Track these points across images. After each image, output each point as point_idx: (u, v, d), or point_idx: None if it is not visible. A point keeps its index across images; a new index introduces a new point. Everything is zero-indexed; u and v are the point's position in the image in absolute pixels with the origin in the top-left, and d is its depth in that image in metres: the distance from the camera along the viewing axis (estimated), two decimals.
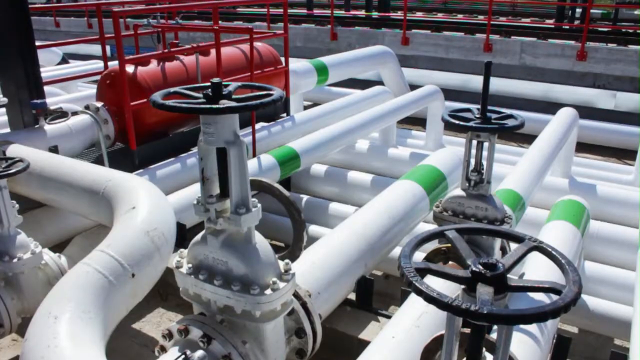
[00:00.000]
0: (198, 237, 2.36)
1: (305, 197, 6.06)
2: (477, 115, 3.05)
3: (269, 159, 5.31)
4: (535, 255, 3.15)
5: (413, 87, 8.92)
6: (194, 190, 4.67)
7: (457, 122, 3.05)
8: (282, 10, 6.89)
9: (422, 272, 1.55)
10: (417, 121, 9.41)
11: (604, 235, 5.04)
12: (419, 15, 18.98)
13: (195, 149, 5.46)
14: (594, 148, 8.78)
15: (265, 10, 12.25)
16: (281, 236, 5.30)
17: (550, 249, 1.64)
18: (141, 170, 4.97)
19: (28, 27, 5.01)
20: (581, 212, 4.28)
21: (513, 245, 1.86)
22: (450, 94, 9.30)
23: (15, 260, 3.41)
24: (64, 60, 12.00)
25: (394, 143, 7.67)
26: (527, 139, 7.90)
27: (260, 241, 2.35)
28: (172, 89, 2.28)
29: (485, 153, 3.12)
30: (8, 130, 5.20)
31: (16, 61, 4.96)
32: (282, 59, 6.77)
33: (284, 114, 6.83)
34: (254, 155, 5.47)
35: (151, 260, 2.99)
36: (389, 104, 7.24)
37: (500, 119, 3.04)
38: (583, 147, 8.37)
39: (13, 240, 3.47)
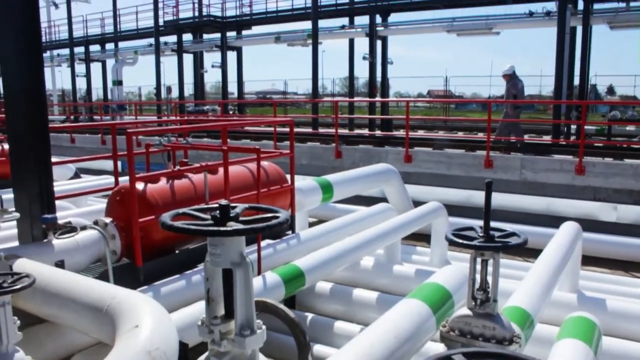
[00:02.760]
0: (201, 359, 2.33)
1: (310, 316, 5.97)
2: (481, 234, 3.10)
3: (273, 278, 5.29)
4: None
5: (417, 203, 9.03)
6: (198, 308, 4.61)
7: (460, 241, 3.09)
8: (288, 128, 7.15)
9: None
10: (422, 237, 9.43)
11: (616, 352, 4.91)
12: (420, 133, 19.63)
13: (201, 266, 5.47)
14: (600, 261, 8.73)
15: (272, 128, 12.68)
16: (285, 356, 5.16)
17: None
18: (146, 287, 4.96)
19: (46, 145, 5.21)
20: (592, 330, 4.20)
21: None
22: (453, 209, 9.40)
23: None
24: (77, 175, 12.31)
25: (399, 260, 7.66)
26: (532, 253, 7.86)
27: None
28: (180, 210, 2.35)
29: (490, 269, 3.13)
30: (17, 243, 5.25)
31: (32, 177, 5.10)
32: (288, 176, 6.95)
33: (289, 232, 6.90)
34: (259, 273, 5.47)
35: None
36: (393, 221, 7.31)
37: (503, 237, 3.08)
38: (589, 261, 8.33)
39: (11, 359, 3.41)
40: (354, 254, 6.37)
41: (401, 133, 17.60)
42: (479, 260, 3.12)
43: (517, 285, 5.16)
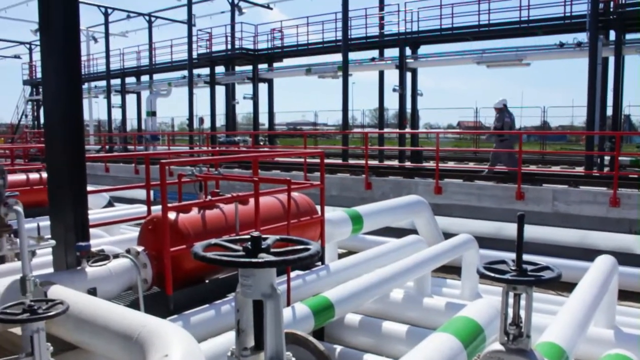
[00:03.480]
0: None
1: (338, 348, 5.91)
2: (513, 267, 3.06)
3: (303, 309, 5.28)
4: None
5: (447, 235, 8.96)
6: (227, 339, 4.62)
7: (492, 274, 3.06)
8: (318, 159, 7.21)
9: None
10: (452, 269, 9.32)
11: None
12: (451, 165, 19.54)
13: (230, 296, 5.50)
14: (637, 296, 8.48)
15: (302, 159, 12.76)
16: None
17: None
18: (176, 316, 4.99)
19: (83, 175, 5.34)
20: None
21: None
22: (484, 241, 9.29)
23: None
24: (110, 203, 12.54)
25: (429, 292, 7.56)
26: (566, 286, 7.69)
27: None
28: (212, 241, 2.38)
29: (523, 303, 3.08)
30: (51, 270, 5.36)
31: (68, 206, 5.23)
32: (318, 207, 6.97)
33: (319, 263, 6.89)
34: (288, 304, 5.47)
35: None
36: (424, 254, 7.25)
37: (536, 271, 3.03)
38: (625, 295, 8.10)
39: None
40: (384, 286, 6.32)
41: (431, 164, 17.56)
42: (511, 294, 3.07)
43: (551, 320, 5.04)
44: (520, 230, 3.07)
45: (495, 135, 15.51)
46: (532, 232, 10.54)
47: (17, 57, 48.61)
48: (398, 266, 6.67)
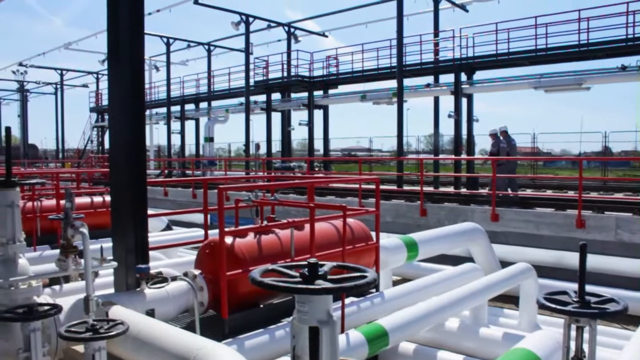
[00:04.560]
0: None
1: None
2: (575, 299, 2.96)
3: (357, 336, 5.24)
4: None
5: (504, 263, 8.76)
6: None
7: (553, 306, 2.97)
8: (372, 185, 7.20)
9: None
10: (510, 299, 9.08)
11: None
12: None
13: (284, 321, 5.52)
14: None
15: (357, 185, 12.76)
16: None
17: None
18: (231, 340, 5.03)
19: (144, 199, 5.52)
20: None
21: None
22: (542, 270, 9.02)
23: None
24: (168, 227, 12.87)
25: (486, 322, 7.39)
26: (632, 320, 7.38)
27: None
28: (270, 266, 2.41)
29: (586, 336, 2.97)
30: (112, 290, 5.52)
31: (130, 229, 5.41)
32: (373, 234, 6.94)
33: (373, 290, 6.84)
34: (342, 331, 5.43)
35: None
36: (480, 282, 7.11)
37: (600, 303, 2.93)
38: None
39: None
40: (439, 315, 6.22)
41: (487, 191, 17.24)
42: (573, 326, 2.97)
43: (617, 355, 4.84)
44: (583, 260, 2.98)
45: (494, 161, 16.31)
46: (594, 261, 10.17)
47: (85, 86, 51.05)
48: (454, 294, 6.55)
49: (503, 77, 22.63)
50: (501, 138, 16.28)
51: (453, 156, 24.06)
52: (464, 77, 22.58)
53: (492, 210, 12.87)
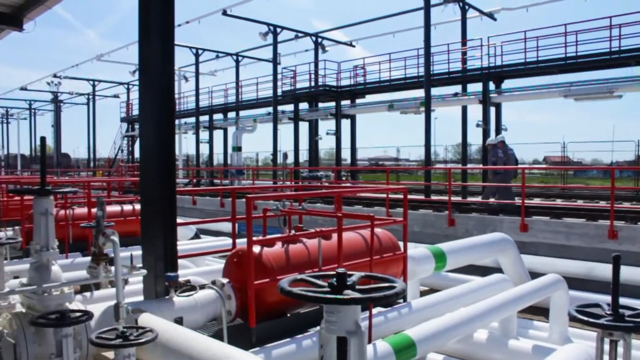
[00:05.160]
0: None
1: None
2: (608, 312, 2.91)
3: (384, 347, 5.20)
4: None
5: (533, 274, 8.63)
6: None
7: (585, 318, 2.91)
8: (399, 195, 7.17)
9: None
10: (539, 311, 8.93)
11: None
12: (537, 201, 18.80)
13: (311, 330, 5.51)
14: None
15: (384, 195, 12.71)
16: None
17: None
18: (258, 348, 5.04)
19: (173, 208, 5.59)
20: None
21: None
22: (573, 282, 8.85)
23: None
24: (197, 235, 12.99)
25: (515, 334, 7.27)
26: None
27: None
28: (298, 276, 2.42)
29: (620, 350, 2.91)
30: (141, 298, 5.59)
31: (159, 237, 5.47)
32: (400, 243, 6.91)
33: (401, 300, 6.80)
34: (369, 341, 5.40)
35: None
36: (509, 293, 7.02)
37: (635, 316, 2.87)
38: None
39: None
40: (468, 326, 6.15)
41: (516, 201, 17.01)
42: (607, 340, 2.91)
43: None
44: (616, 272, 2.93)
45: (490, 170, 16.57)
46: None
47: (116, 96, 52.03)
48: (482, 305, 6.47)
49: (532, 85, 22.39)
50: (499, 148, 16.49)
51: (481, 165, 23.82)
52: (492, 86, 22.41)
53: (521, 220, 12.70)
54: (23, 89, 50.25)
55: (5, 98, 54.09)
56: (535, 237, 12.51)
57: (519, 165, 16.22)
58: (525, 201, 12.97)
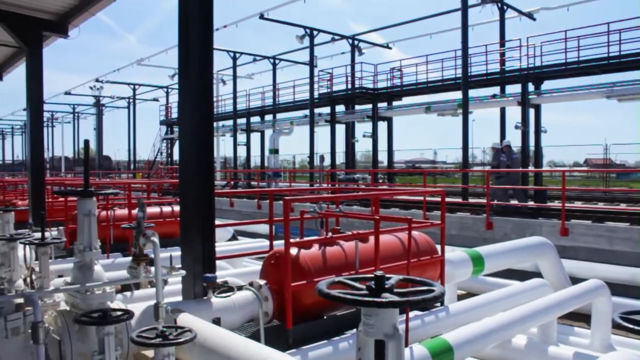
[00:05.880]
0: None
1: None
2: None
3: (421, 351, 5.17)
4: None
5: (574, 280, 8.45)
6: None
7: (632, 326, 2.84)
8: (436, 197, 7.11)
9: None
10: (580, 317, 8.73)
11: None
12: (578, 205, 18.39)
13: (348, 333, 5.51)
14: None
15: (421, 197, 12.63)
16: None
17: None
18: (294, 350, 5.06)
19: (211, 210, 5.67)
20: None
21: None
22: (616, 288, 8.63)
23: None
24: (234, 237, 13.13)
25: (555, 340, 7.13)
26: None
27: None
28: (336, 279, 2.42)
29: None
30: (180, 298, 5.68)
31: (198, 239, 5.56)
32: (438, 246, 6.85)
33: (438, 304, 6.74)
34: (406, 345, 5.37)
35: None
36: (549, 299, 6.88)
37: None
38: None
39: None
40: (506, 331, 6.05)
41: (556, 204, 16.68)
42: None
43: None
44: None
45: (493, 173, 17.00)
46: None
47: (155, 99, 52.97)
48: (521, 311, 6.37)
49: (573, 86, 21.90)
50: (504, 152, 17.00)
51: (520, 168, 23.44)
52: (531, 87, 22.00)
53: (561, 224, 12.46)
54: (67, 93, 51.54)
55: (51, 102, 55.57)
56: (576, 241, 12.25)
57: (529, 168, 17.38)
58: (566, 204, 12.70)
